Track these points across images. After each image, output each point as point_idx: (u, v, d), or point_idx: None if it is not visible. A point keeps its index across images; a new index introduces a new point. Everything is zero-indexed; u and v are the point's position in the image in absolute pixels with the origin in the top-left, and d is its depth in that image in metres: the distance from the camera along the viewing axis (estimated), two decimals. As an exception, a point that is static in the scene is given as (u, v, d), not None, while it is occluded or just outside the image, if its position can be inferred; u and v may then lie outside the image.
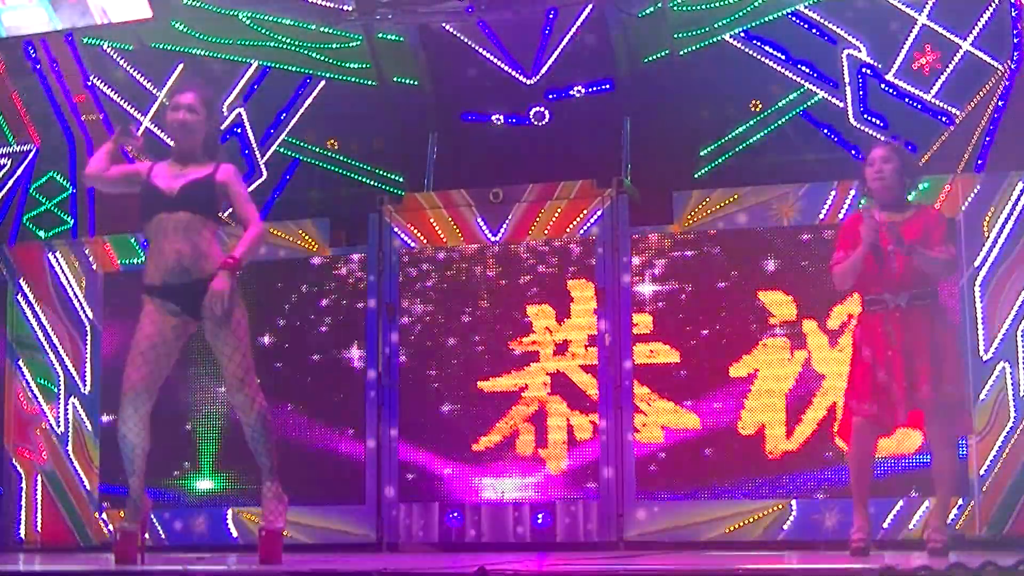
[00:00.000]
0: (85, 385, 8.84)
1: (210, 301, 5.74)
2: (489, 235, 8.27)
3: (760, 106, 8.75)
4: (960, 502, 7.32)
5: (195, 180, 5.89)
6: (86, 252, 9.00)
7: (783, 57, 8.70)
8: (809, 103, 8.69)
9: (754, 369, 7.75)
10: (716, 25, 8.77)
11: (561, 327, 8.09)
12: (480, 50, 9.10)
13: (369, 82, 9.38)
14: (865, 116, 8.44)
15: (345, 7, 9.01)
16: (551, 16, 8.97)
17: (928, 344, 5.96)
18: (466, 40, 9.10)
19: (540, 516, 7.97)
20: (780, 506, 7.61)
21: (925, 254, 5.95)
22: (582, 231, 8.13)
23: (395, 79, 9.35)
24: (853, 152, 8.33)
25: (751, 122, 8.80)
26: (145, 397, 5.85)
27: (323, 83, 9.44)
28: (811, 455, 7.60)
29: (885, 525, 7.36)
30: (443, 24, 9.07)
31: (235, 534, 8.43)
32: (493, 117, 9.23)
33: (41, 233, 9.71)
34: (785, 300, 7.76)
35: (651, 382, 7.88)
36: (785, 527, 7.59)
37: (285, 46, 9.38)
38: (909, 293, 6.01)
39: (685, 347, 7.89)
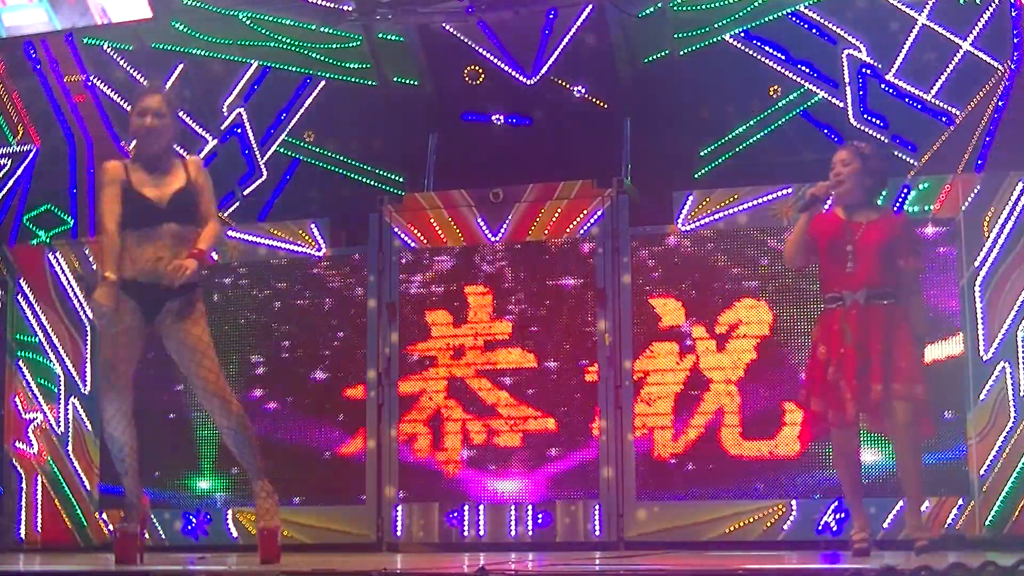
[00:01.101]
0: (85, 385, 8.84)
1: (171, 270, 5.73)
2: (489, 235, 8.27)
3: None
4: (960, 502, 7.33)
5: (180, 190, 5.91)
6: (86, 252, 9.00)
7: (783, 57, 8.70)
8: (809, 103, 8.69)
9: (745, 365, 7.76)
10: (716, 25, 8.77)
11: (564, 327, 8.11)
12: (480, 50, 9.11)
13: (369, 82, 9.38)
14: (865, 116, 8.45)
15: (345, 7, 9.01)
16: (551, 16, 8.97)
17: (883, 343, 5.99)
18: (466, 40, 9.11)
19: (540, 516, 7.98)
20: (780, 506, 7.61)
21: (918, 313, 6.07)
22: (582, 231, 8.13)
23: (395, 79, 9.36)
24: (853, 152, 8.32)
25: (751, 122, 8.80)
26: (124, 394, 5.86)
27: (323, 83, 9.45)
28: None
29: (885, 525, 7.36)
30: (443, 24, 9.07)
31: (235, 534, 8.43)
32: (493, 117, 9.24)
33: (41, 233, 9.71)
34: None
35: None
36: (785, 527, 7.59)
37: (285, 46, 9.39)
38: (867, 292, 6.04)
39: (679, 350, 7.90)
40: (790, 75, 8.70)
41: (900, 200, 7.58)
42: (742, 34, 8.75)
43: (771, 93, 8.76)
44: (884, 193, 6.39)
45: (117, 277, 5.76)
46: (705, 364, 7.81)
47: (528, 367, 8.11)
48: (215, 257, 8.19)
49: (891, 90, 8.44)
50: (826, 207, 6.44)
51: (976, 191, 7.57)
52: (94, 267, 8.95)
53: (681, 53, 8.88)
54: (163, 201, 5.87)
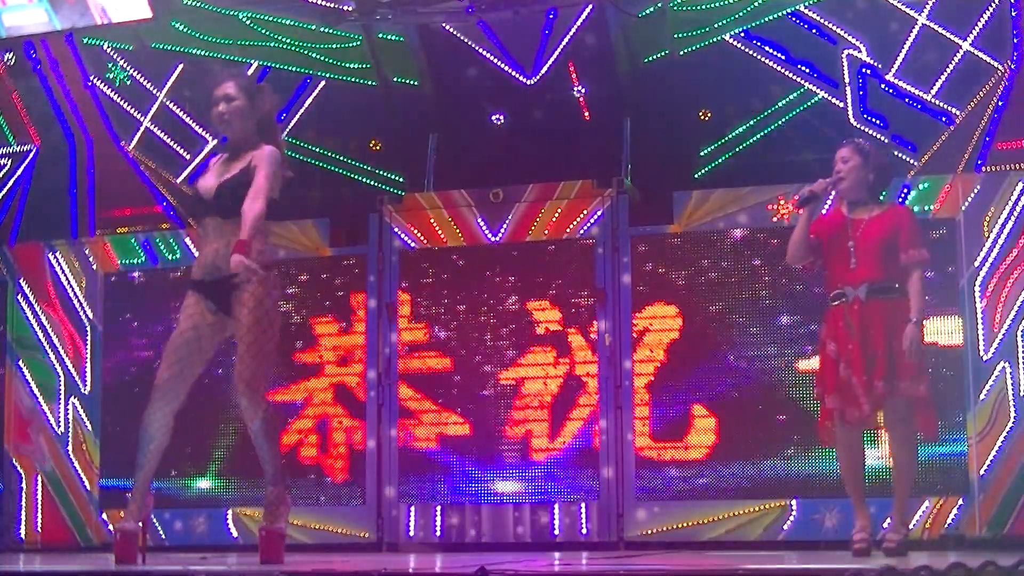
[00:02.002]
0: (85, 385, 8.84)
1: (234, 269, 5.60)
2: (489, 235, 8.27)
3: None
4: (960, 502, 7.33)
5: (227, 181, 5.78)
6: (86, 252, 9.00)
7: (783, 57, 8.70)
8: (809, 103, 8.69)
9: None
10: (716, 25, 8.77)
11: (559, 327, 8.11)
12: (480, 50, 9.11)
13: (369, 82, 9.38)
14: (865, 116, 8.44)
15: (345, 7, 9.01)
16: (551, 16, 8.97)
17: (886, 339, 5.99)
18: (466, 40, 9.11)
19: (540, 516, 7.98)
20: (780, 506, 7.61)
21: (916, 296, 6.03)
22: (582, 231, 8.13)
23: (395, 79, 9.36)
24: (853, 152, 8.32)
25: (751, 122, 8.81)
26: (172, 395, 5.80)
27: (323, 83, 9.45)
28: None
29: (885, 525, 7.34)
30: (443, 24, 9.07)
31: (235, 534, 8.43)
32: (493, 117, 9.24)
33: (41, 233, 9.70)
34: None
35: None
36: (785, 527, 7.59)
37: (285, 46, 9.39)
38: (868, 287, 6.04)
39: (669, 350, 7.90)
40: (790, 75, 8.71)
41: (900, 200, 7.58)
42: (742, 34, 8.75)
43: (771, 93, 8.76)
44: (884, 193, 6.37)
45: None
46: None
47: (526, 367, 8.12)
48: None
49: (891, 90, 8.44)
50: (827, 206, 6.44)
51: (976, 191, 7.57)
52: (93, 267, 8.96)
53: (681, 53, 8.88)
54: (209, 192, 5.81)
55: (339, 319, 8.48)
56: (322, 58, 9.39)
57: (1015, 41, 8.11)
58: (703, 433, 7.79)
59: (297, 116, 9.48)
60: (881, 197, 6.33)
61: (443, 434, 8.18)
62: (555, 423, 8.03)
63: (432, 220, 8.38)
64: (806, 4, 8.61)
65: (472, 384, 8.17)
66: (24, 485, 8.88)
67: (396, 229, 8.40)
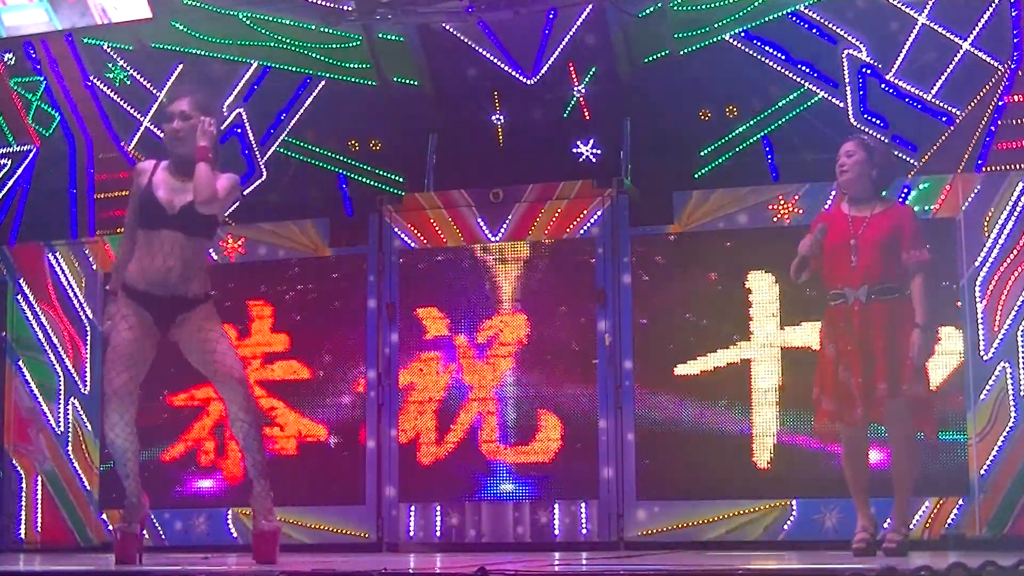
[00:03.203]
0: (85, 385, 8.84)
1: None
2: (489, 235, 8.27)
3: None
4: (960, 502, 7.33)
5: (193, 202, 5.78)
6: (86, 252, 9.00)
7: (783, 57, 8.71)
8: (809, 103, 8.69)
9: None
10: (716, 25, 8.78)
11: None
12: (480, 50, 9.11)
13: (369, 82, 9.38)
14: (865, 116, 8.45)
15: (345, 7, 9.01)
16: (551, 16, 8.97)
17: (886, 341, 5.97)
18: (466, 40, 9.11)
19: (540, 516, 7.97)
20: (781, 506, 7.61)
21: (922, 302, 6.02)
22: (582, 231, 8.13)
23: (395, 79, 9.35)
24: (853, 152, 8.33)
25: (751, 122, 8.81)
26: (128, 402, 5.83)
27: (323, 83, 9.45)
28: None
29: (885, 525, 7.34)
30: (443, 24, 9.07)
31: (235, 534, 8.42)
32: (493, 117, 9.24)
33: (41, 233, 9.70)
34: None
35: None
36: (785, 527, 7.59)
37: (285, 46, 9.38)
38: (869, 288, 6.03)
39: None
40: (790, 75, 8.71)
41: (900, 200, 7.58)
42: (742, 34, 8.76)
43: (771, 93, 8.77)
44: (884, 192, 6.36)
45: (114, 289, 5.85)
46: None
47: (525, 367, 8.11)
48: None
49: (891, 90, 8.44)
50: (828, 204, 6.43)
51: (976, 191, 7.57)
52: (93, 267, 8.95)
53: (681, 53, 8.88)
54: (173, 207, 5.80)
55: (339, 319, 8.47)
56: (322, 58, 9.39)
57: (1015, 41, 8.11)
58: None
59: (297, 116, 9.48)
60: (882, 194, 6.33)
61: (443, 434, 8.18)
62: (555, 423, 8.02)
63: (432, 220, 8.37)
64: (806, 4, 8.61)
65: (472, 384, 8.17)
66: (24, 485, 8.87)
67: (396, 229, 8.39)
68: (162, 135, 6.01)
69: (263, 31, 9.37)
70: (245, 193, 9.43)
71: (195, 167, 5.77)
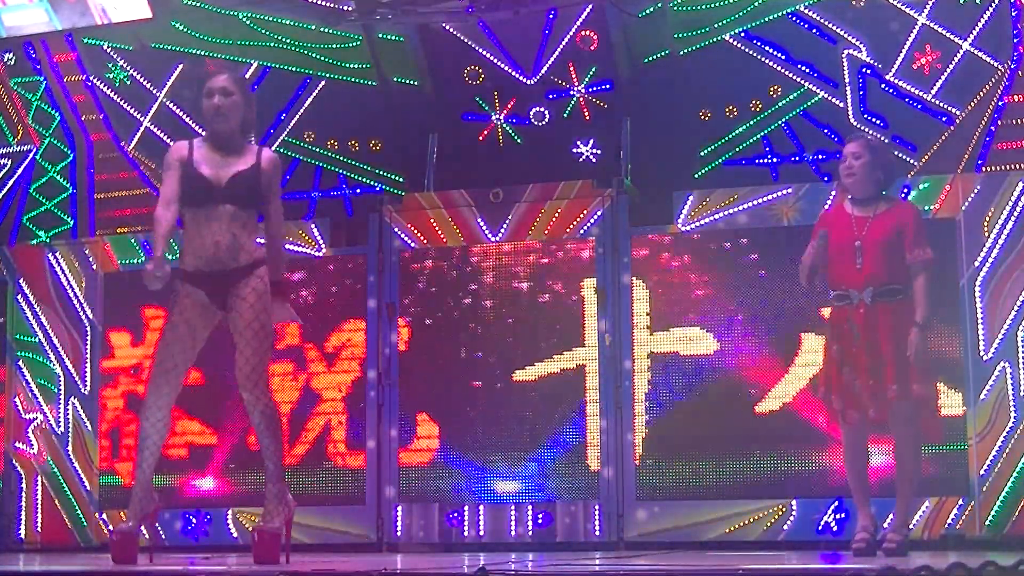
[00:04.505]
0: (85, 385, 8.84)
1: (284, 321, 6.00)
2: (489, 235, 8.27)
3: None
4: (960, 502, 7.33)
5: (241, 172, 5.77)
6: (86, 252, 9.00)
7: (783, 57, 8.71)
8: (809, 103, 8.70)
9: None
10: (716, 25, 8.79)
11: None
12: (480, 50, 9.12)
13: (369, 82, 9.38)
14: (865, 116, 8.45)
15: (345, 7, 9.02)
16: (551, 16, 8.97)
17: (893, 343, 5.97)
18: (466, 40, 9.11)
19: (540, 516, 7.98)
20: (780, 506, 7.61)
21: (921, 300, 6.01)
22: (582, 231, 8.13)
23: (395, 79, 9.36)
24: (853, 152, 8.33)
25: (751, 122, 8.81)
26: (169, 390, 5.77)
27: (323, 83, 9.45)
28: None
29: (885, 525, 7.34)
30: (443, 24, 9.07)
31: (235, 534, 8.43)
32: (493, 117, 9.24)
33: (41, 233, 9.71)
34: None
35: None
36: (785, 527, 7.59)
37: (285, 46, 9.39)
38: (874, 290, 6.02)
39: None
40: (790, 75, 8.71)
41: (903, 197, 7.57)
42: (742, 34, 8.76)
43: (771, 93, 8.77)
44: (884, 191, 6.35)
45: (161, 253, 5.63)
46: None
47: (525, 367, 8.12)
48: None
49: (891, 90, 8.45)
50: (830, 203, 6.42)
51: (976, 191, 7.57)
52: (93, 267, 8.95)
53: (681, 53, 8.88)
54: (220, 181, 5.76)
55: (339, 319, 8.47)
56: (322, 58, 9.40)
57: (1015, 41, 8.11)
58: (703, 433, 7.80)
59: (297, 116, 9.48)
60: (883, 192, 6.32)
61: (443, 433, 8.18)
62: (555, 423, 8.02)
63: (432, 220, 8.37)
64: (806, 4, 8.62)
65: (472, 384, 8.17)
66: (24, 485, 8.87)
67: (396, 229, 8.39)
68: (204, 112, 5.91)
69: (263, 31, 9.37)
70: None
71: (239, 151, 5.81)
